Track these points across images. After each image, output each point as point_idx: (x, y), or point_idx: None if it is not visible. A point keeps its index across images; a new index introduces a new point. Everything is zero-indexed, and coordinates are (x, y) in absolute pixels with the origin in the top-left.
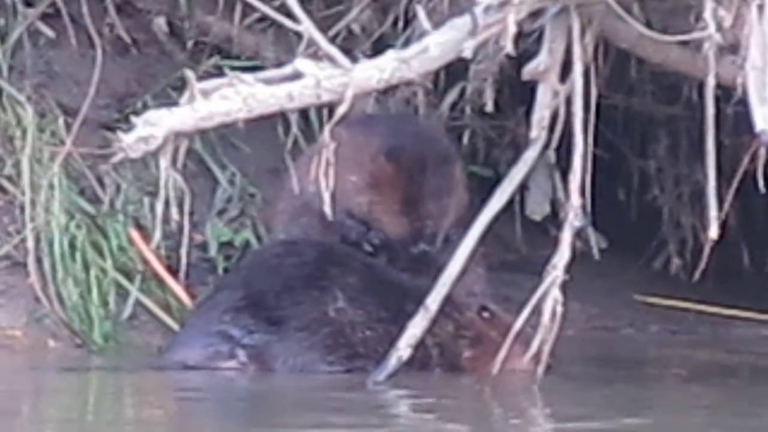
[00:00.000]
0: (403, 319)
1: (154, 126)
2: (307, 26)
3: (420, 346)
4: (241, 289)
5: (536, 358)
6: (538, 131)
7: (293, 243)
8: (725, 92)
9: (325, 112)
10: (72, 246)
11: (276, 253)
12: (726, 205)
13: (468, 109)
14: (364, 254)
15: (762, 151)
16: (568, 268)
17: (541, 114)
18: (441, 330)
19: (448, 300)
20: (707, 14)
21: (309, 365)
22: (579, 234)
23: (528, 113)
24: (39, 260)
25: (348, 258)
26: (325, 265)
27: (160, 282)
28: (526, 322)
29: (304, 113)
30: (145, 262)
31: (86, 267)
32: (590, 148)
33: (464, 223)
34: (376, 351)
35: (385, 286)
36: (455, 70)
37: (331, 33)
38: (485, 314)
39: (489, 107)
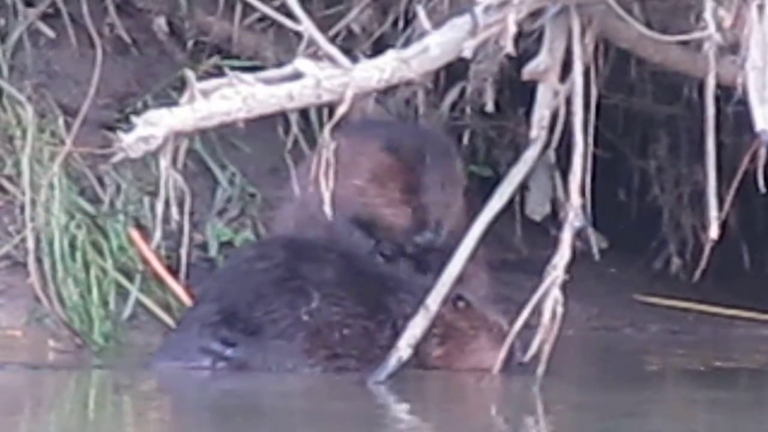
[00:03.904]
0: (381, 313)
1: (154, 126)
2: (307, 26)
3: (385, 350)
4: (216, 302)
5: (536, 357)
6: (538, 131)
7: (264, 244)
8: (725, 92)
9: (325, 112)
10: (72, 246)
11: (247, 258)
12: (726, 205)
13: (468, 109)
14: (343, 244)
15: (762, 151)
16: (568, 268)
17: (541, 114)
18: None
19: (408, 300)
20: (707, 14)
21: (291, 372)
22: (579, 234)
23: (528, 113)
24: (39, 260)
25: (323, 251)
26: (296, 264)
27: (160, 282)
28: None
29: (304, 113)
30: (145, 262)
31: (86, 267)
32: (590, 148)
33: (464, 224)
34: (355, 349)
35: (363, 278)
36: (455, 70)
37: (331, 33)
38: (460, 304)
39: (489, 107)
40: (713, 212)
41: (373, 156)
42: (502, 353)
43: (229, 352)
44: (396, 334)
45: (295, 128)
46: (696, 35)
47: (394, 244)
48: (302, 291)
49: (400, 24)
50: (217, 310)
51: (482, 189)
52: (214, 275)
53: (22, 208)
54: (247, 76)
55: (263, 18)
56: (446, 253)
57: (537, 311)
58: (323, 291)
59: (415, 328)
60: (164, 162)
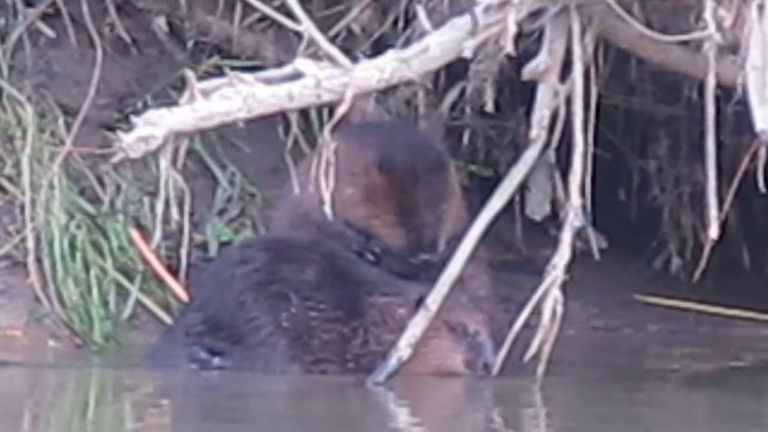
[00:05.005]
0: (357, 316)
1: (154, 126)
2: (307, 26)
3: (357, 357)
4: (201, 311)
5: (536, 358)
6: (538, 131)
7: (247, 246)
8: (725, 92)
9: (325, 112)
10: (72, 246)
11: (230, 262)
12: (726, 205)
13: (468, 109)
14: (330, 242)
15: (762, 151)
16: (568, 268)
17: (541, 114)
18: (376, 339)
19: (376, 304)
20: (707, 14)
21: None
22: (579, 234)
23: (528, 113)
24: (39, 260)
25: (305, 252)
26: (276, 267)
27: (160, 282)
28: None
29: (304, 113)
30: (145, 262)
31: (86, 267)
32: (590, 148)
33: (464, 224)
34: (335, 353)
35: (342, 280)
36: (455, 70)
37: (331, 33)
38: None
39: (489, 107)
40: (713, 212)
41: (367, 172)
42: (502, 353)
43: (215, 360)
44: (367, 341)
45: (295, 128)
46: (696, 35)
47: (392, 260)
48: (281, 295)
49: (400, 24)
50: (202, 319)
51: (482, 189)
52: (199, 280)
53: (22, 208)
54: (247, 76)
55: (263, 18)
56: (441, 262)
57: (537, 311)
58: (302, 294)
59: (416, 327)
60: (164, 162)
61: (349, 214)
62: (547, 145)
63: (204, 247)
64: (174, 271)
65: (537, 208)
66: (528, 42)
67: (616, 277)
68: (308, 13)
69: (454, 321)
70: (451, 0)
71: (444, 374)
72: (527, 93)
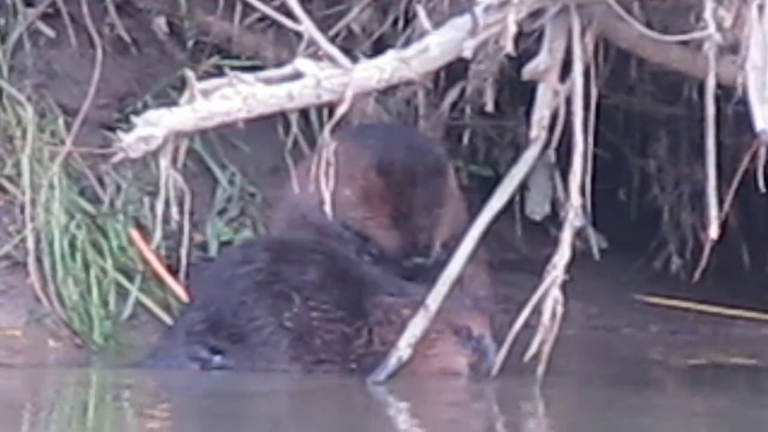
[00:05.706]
0: (360, 317)
1: (154, 126)
2: (307, 26)
3: (360, 358)
4: (201, 309)
5: (536, 358)
6: (538, 131)
7: (248, 246)
8: (725, 92)
9: (325, 112)
10: (72, 246)
11: (232, 262)
12: (726, 205)
13: (468, 109)
14: (331, 243)
15: (762, 151)
16: (568, 268)
17: (541, 114)
18: (380, 339)
19: (381, 304)
20: (707, 14)
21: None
22: (579, 234)
23: (528, 113)
24: (39, 260)
25: (306, 252)
26: (278, 266)
27: (160, 282)
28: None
29: (304, 113)
30: (145, 262)
31: (86, 267)
32: (590, 148)
33: (464, 224)
34: (337, 354)
35: (345, 281)
36: (455, 70)
37: (331, 33)
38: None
39: (489, 107)
40: (713, 212)
41: (365, 174)
42: (501, 354)
43: (217, 359)
44: (371, 341)
45: (295, 128)
46: (696, 35)
47: (388, 263)
48: (283, 295)
49: (400, 24)
50: (203, 318)
51: (482, 189)
52: (200, 279)
53: (22, 208)
54: (247, 76)
55: (263, 18)
56: (438, 265)
57: (537, 311)
58: (304, 294)
59: (416, 327)
60: (164, 162)
61: (347, 216)
62: (547, 145)
63: (204, 247)
64: (174, 271)
65: (537, 208)
66: (528, 42)
67: (616, 277)
68: (308, 13)
69: (459, 324)
70: (451, 0)
71: (447, 376)
72: (527, 93)
